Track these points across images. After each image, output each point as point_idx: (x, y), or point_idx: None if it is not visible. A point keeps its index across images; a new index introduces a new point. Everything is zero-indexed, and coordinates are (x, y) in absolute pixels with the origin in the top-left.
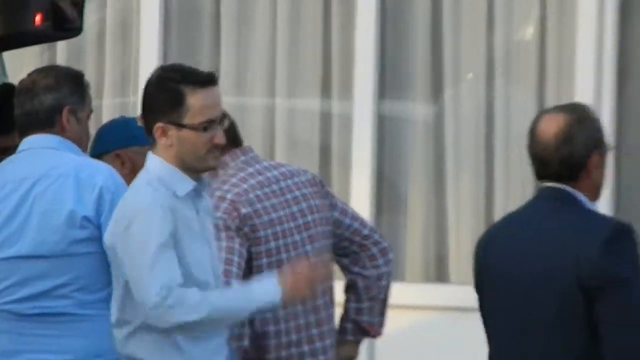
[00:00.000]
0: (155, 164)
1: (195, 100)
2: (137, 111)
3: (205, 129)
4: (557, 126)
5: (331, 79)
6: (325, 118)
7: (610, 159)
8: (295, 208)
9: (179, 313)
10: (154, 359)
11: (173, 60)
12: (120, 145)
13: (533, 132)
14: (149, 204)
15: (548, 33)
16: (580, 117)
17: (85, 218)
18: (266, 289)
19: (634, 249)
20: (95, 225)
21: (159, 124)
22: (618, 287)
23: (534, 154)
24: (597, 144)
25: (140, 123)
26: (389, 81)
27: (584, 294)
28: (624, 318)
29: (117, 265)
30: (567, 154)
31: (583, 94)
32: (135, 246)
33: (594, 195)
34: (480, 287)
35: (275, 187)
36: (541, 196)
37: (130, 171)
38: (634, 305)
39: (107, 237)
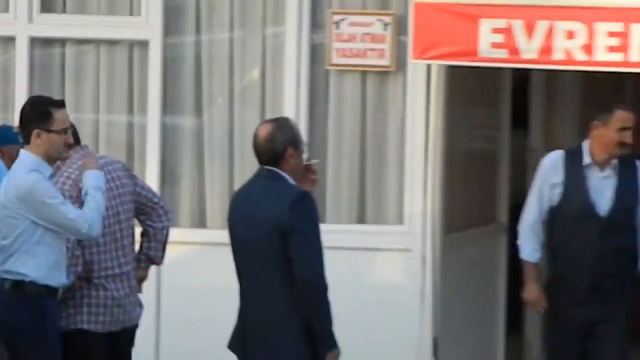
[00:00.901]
0: (29, 156)
1: (58, 115)
2: (14, 123)
3: (65, 133)
4: (266, 131)
5: (133, 100)
6: (130, 126)
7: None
8: (112, 184)
9: (95, 226)
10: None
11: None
12: (2, 143)
13: (254, 135)
14: (37, 178)
15: (267, 73)
16: (280, 125)
17: None
18: (91, 178)
19: (311, 209)
20: None
21: (35, 130)
22: (298, 234)
23: (255, 149)
24: (291, 142)
25: (16, 130)
26: (169, 102)
27: (282, 238)
28: (302, 256)
29: (13, 218)
30: (271, 148)
31: (289, 113)
32: (46, 203)
33: (294, 174)
34: (229, 234)
35: (104, 169)
36: (259, 174)
37: (8, 160)
38: (309, 248)
39: (4, 200)
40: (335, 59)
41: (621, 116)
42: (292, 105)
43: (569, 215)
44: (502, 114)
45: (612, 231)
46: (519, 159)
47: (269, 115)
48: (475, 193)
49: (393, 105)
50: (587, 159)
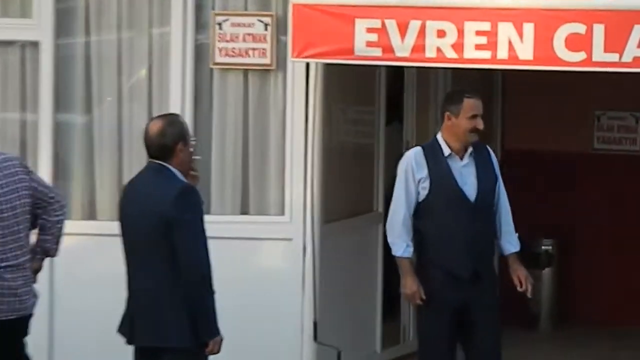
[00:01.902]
0: None
1: None
2: None
3: None
4: (157, 127)
5: (26, 98)
6: (23, 124)
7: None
8: (10, 179)
9: None
10: None
11: None
12: None
13: (145, 131)
14: None
15: (154, 72)
16: (171, 121)
17: None
18: None
19: (194, 201)
20: None
21: None
22: (182, 225)
23: (146, 143)
24: (181, 137)
25: None
26: (61, 100)
27: (167, 228)
28: (186, 247)
29: None
30: (162, 142)
31: (175, 109)
32: None
33: (182, 167)
34: (119, 225)
35: (2, 165)
36: (148, 168)
37: None
38: (192, 239)
39: None
40: (219, 58)
41: (469, 104)
42: (178, 102)
43: (440, 205)
44: (378, 110)
45: (481, 215)
46: (396, 152)
47: (156, 112)
48: (354, 185)
49: (274, 101)
50: (446, 150)
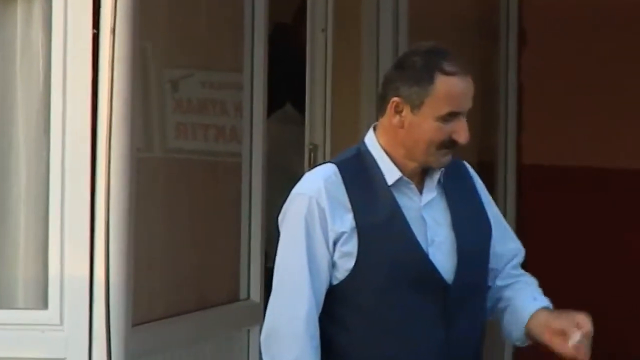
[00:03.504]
0: None
1: None
2: None
3: None
4: None
5: None
6: None
7: None
8: None
9: None
10: None
11: None
12: None
13: None
14: None
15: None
16: None
17: None
18: None
19: None
20: None
21: None
22: None
23: None
24: None
25: None
26: None
27: None
28: None
29: None
30: None
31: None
32: None
33: None
34: None
35: None
36: None
37: None
38: None
39: None
40: None
41: (448, 87)
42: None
43: (379, 290)
44: (251, 81)
45: (465, 305)
46: (288, 171)
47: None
48: (195, 245)
49: (22, 66)
50: (391, 174)
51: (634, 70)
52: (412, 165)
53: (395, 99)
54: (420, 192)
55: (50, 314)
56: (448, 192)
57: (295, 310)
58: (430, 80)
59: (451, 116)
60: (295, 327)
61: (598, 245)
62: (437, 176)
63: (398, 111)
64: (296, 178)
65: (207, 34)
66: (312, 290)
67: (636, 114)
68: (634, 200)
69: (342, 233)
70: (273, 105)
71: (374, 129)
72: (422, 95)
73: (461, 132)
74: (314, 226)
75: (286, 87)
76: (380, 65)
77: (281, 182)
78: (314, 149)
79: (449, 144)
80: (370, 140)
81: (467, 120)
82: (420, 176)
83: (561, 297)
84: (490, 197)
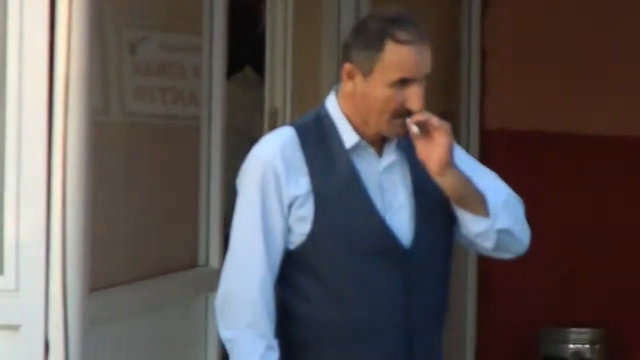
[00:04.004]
0: None
1: None
2: None
3: None
4: None
5: None
6: None
7: None
8: None
9: None
10: None
11: None
12: None
13: None
14: None
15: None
16: None
17: None
18: None
19: None
20: None
21: None
22: None
23: None
24: None
25: None
26: None
27: None
28: None
29: None
30: None
31: None
32: None
33: None
34: None
35: None
36: None
37: None
38: None
39: None
40: None
41: (399, 53)
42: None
43: (336, 256)
44: (210, 41)
45: (423, 273)
46: (246, 135)
47: None
48: (154, 210)
49: None
50: (349, 137)
51: (598, 34)
52: (370, 131)
53: (348, 65)
54: (380, 154)
55: (5, 280)
56: (411, 154)
57: (249, 275)
58: (380, 47)
59: (404, 83)
60: (250, 292)
61: (563, 210)
62: (397, 139)
63: (350, 77)
64: (255, 142)
65: None
66: (267, 256)
67: (600, 78)
68: (599, 164)
69: (297, 197)
70: (233, 68)
71: (336, 92)
72: (372, 61)
73: (413, 99)
74: (268, 191)
75: (247, 46)
76: (341, 29)
77: (241, 146)
78: (274, 112)
79: (403, 112)
80: (331, 104)
81: (428, 86)
82: (381, 142)
83: (526, 260)
84: (464, 153)
